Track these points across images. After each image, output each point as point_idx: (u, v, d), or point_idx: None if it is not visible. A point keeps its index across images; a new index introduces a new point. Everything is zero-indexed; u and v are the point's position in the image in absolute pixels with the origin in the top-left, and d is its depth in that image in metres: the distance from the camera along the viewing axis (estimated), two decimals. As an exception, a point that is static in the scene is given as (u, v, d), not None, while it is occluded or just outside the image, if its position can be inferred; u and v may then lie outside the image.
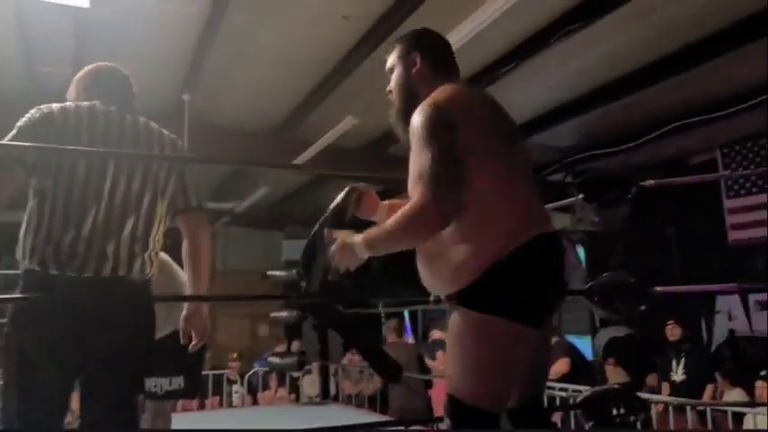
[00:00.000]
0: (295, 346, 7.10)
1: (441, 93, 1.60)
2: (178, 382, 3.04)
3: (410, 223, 1.50)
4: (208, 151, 5.95)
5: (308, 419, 5.11)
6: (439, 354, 5.32)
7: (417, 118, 1.57)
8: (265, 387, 6.82)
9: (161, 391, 2.98)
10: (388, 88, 1.80)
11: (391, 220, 1.53)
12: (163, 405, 3.00)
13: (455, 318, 1.54)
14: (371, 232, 1.57)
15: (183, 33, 4.43)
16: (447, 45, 1.80)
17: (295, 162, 6.05)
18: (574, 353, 5.74)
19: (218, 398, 6.45)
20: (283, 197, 8.89)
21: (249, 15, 4.17)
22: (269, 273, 5.12)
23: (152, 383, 2.93)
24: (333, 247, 1.60)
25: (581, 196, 2.04)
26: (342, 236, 1.61)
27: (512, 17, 3.65)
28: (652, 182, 2.01)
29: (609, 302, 1.99)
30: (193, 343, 2.09)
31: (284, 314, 5.03)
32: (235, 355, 7.09)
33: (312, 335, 6.74)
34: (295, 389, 6.62)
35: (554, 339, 5.61)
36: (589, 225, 6.78)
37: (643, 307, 1.98)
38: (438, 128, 1.52)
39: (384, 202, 1.90)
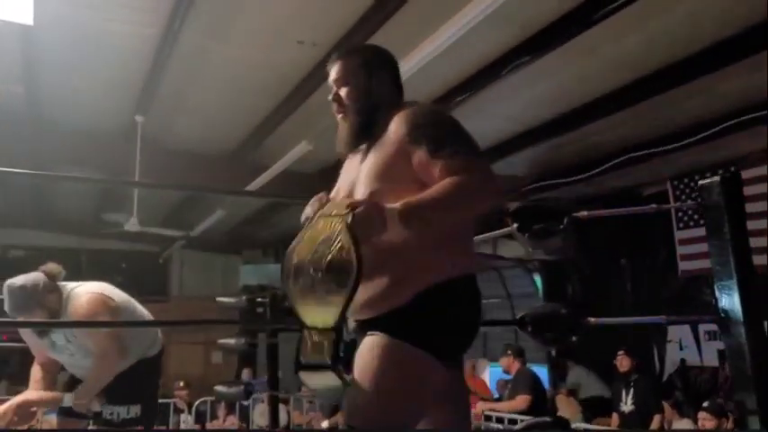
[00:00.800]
0: (245, 374, 6.96)
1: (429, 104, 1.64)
2: (135, 410, 2.94)
3: (467, 190, 1.42)
4: (161, 174, 5.88)
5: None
6: None
7: (418, 111, 1.55)
8: (213, 417, 6.65)
9: (117, 419, 2.88)
10: (335, 105, 1.68)
11: (438, 189, 1.41)
12: None
13: (371, 342, 1.45)
14: (412, 200, 1.41)
15: (137, 54, 4.38)
16: (397, 66, 1.78)
17: (250, 186, 6.00)
18: (537, 387, 5.57)
19: (164, 428, 6.25)
20: (242, 221, 8.80)
21: (204, 38, 4.15)
22: (218, 299, 5.00)
23: (108, 411, 2.83)
24: (359, 210, 1.38)
25: (515, 226, 2.05)
26: (367, 202, 1.44)
27: (462, 48, 3.70)
28: (585, 213, 2.03)
29: (541, 332, 1.99)
30: None
31: (232, 341, 4.92)
32: (182, 384, 6.89)
33: (264, 363, 6.60)
34: (245, 418, 6.47)
35: (516, 369, 5.56)
36: (544, 254, 6.82)
37: (574, 338, 1.99)
38: (458, 125, 1.54)
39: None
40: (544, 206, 2.04)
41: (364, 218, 1.37)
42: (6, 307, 2.71)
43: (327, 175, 6.63)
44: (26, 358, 8.92)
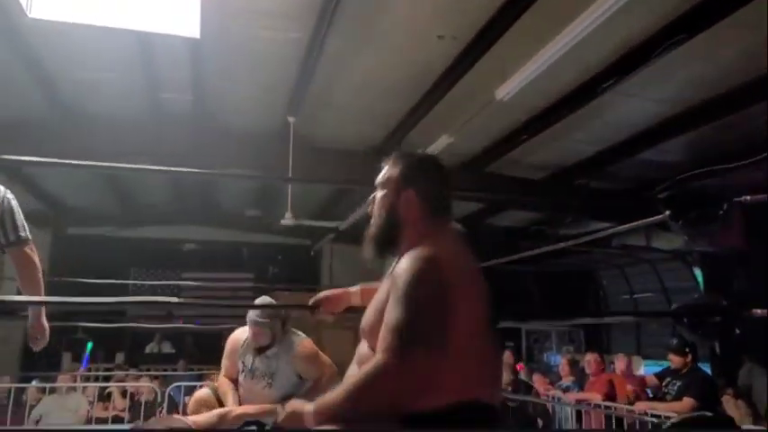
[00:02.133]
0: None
1: (436, 248, 1.49)
2: None
3: (367, 392, 1.40)
4: (311, 171, 6.22)
5: None
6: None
7: (408, 269, 1.46)
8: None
9: None
10: (370, 205, 1.70)
11: (346, 384, 1.45)
12: None
13: None
14: (324, 400, 1.46)
15: (287, 59, 4.67)
16: (446, 184, 1.69)
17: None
18: (707, 390, 4.83)
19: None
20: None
21: (348, 39, 4.34)
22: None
23: None
24: (279, 419, 1.55)
25: (668, 213, 1.95)
26: (290, 405, 1.55)
27: (610, 29, 3.55)
28: (747, 197, 1.89)
29: (697, 325, 1.89)
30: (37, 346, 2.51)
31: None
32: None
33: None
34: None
35: (686, 367, 4.85)
36: (705, 246, 6.36)
37: (737, 330, 1.86)
38: (428, 289, 1.43)
39: (355, 289, 1.95)
40: (699, 192, 1.93)
41: (284, 423, 1.51)
42: (260, 312, 3.29)
43: (469, 168, 6.66)
44: (201, 339, 9.83)
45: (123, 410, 5.99)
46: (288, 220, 6.46)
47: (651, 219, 2.20)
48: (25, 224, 2.49)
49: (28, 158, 2.00)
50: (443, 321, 1.42)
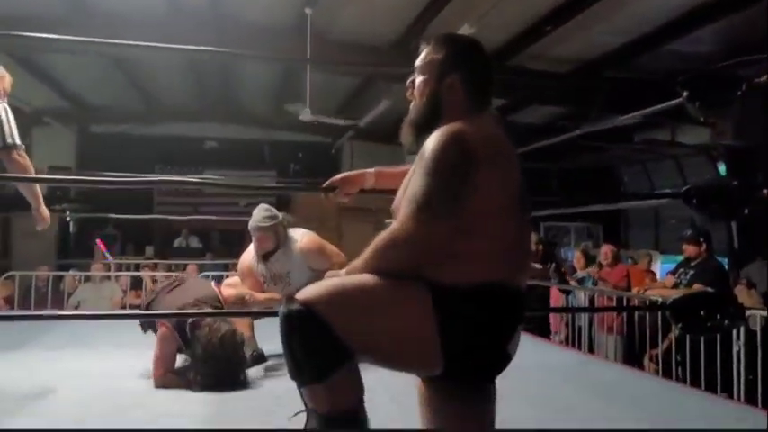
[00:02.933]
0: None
1: (467, 125, 1.48)
2: None
3: (384, 253, 1.46)
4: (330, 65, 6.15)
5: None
6: None
7: (435, 143, 1.46)
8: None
9: None
10: (409, 89, 1.65)
11: (368, 249, 1.48)
12: None
13: None
14: (353, 265, 1.53)
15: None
16: (489, 71, 1.64)
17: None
18: (719, 280, 4.65)
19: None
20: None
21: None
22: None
23: None
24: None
25: (685, 95, 1.94)
26: (328, 275, 1.61)
27: None
28: (765, 77, 1.86)
29: (706, 205, 1.91)
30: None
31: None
32: None
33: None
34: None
35: (700, 256, 4.71)
36: (730, 139, 6.23)
37: (746, 210, 1.88)
38: (451, 162, 1.43)
39: (371, 171, 1.96)
40: (717, 73, 1.90)
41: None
42: (261, 218, 3.44)
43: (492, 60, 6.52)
44: (226, 236, 10.10)
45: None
46: (306, 115, 6.46)
47: (667, 104, 2.18)
48: (15, 132, 2.65)
49: (36, 35, 2.03)
50: (465, 194, 1.42)
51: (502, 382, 1.52)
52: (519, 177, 1.52)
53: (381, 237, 1.46)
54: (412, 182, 1.49)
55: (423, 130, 1.55)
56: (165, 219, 8.55)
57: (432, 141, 1.47)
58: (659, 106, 2.17)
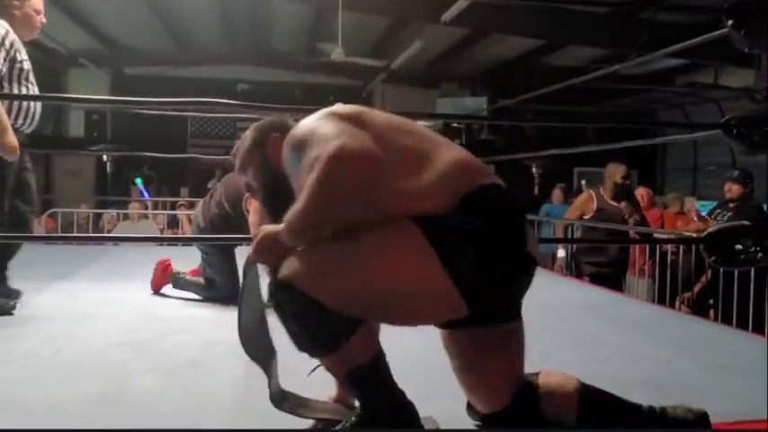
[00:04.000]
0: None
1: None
2: None
3: (330, 176, 1.24)
4: (363, 4, 6.05)
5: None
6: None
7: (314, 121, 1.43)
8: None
9: None
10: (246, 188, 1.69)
11: (305, 189, 1.27)
12: None
13: None
14: (291, 212, 1.29)
15: None
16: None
17: (446, 16, 5.96)
18: (759, 220, 4.24)
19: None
20: (438, 54, 8.83)
21: None
22: (418, 124, 5.28)
23: None
24: (252, 245, 1.38)
25: (730, 23, 1.87)
26: (262, 230, 1.39)
27: None
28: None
29: (747, 135, 1.87)
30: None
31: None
32: None
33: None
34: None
35: (739, 196, 4.57)
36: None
37: (788, 142, 1.84)
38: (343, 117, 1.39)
39: None
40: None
41: (258, 250, 1.36)
42: None
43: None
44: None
45: (191, 235, 6.48)
46: (338, 55, 6.41)
47: (711, 34, 2.11)
48: None
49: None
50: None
51: (529, 317, 1.44)
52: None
53: (316, 171, 1.25)
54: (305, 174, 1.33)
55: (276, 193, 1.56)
56: (199, 158, 8.68)
57: (292, 135, 1.47)
58: (702, 37, 2.10)
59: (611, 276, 4.66)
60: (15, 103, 2.79)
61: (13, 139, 2.62)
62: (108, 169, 8.35)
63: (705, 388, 1.92)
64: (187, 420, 1.63)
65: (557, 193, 7.41)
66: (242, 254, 1.93)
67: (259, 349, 1.44)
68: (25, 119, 2.85)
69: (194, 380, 1.99)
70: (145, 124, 8.42)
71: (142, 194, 8.25)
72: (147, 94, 3.16)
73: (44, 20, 2.95)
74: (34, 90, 2.89)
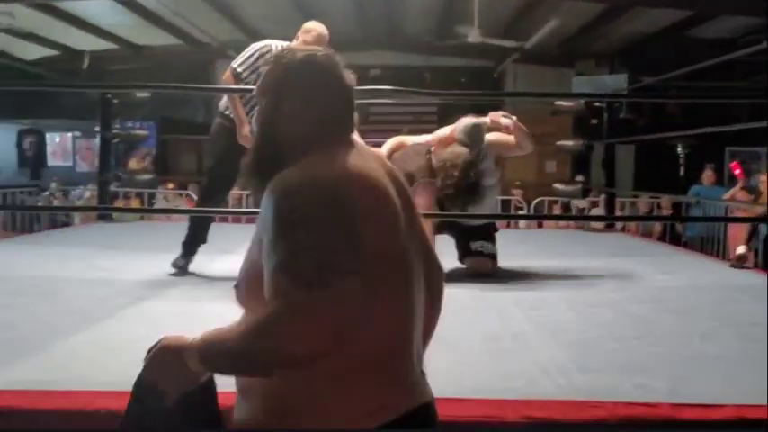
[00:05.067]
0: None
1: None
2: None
3: (258, 339, 0.97)
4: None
5: (597, 244, 5.27)
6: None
7: (288, 194, 1.06)
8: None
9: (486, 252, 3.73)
10: None
11: (234, 328, 1.02)
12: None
13: None
14: (210, 337, 1.03)
15: None
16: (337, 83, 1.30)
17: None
18: None
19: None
20: (575, 32, 8.55)
21: None
22: (557, 102, 5.22)
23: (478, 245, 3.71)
24: (152, 354, 1.09)
25: None
26: (165, 339, 1.09)
27: None
28: None
29: None
30: None
31: (570, 143, 5.12)
32: (518, 183, 7.92)
33: (599, 170, 6.71)
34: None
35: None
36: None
37: None
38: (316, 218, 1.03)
39: None
40: None
41: (156, 362, 1.07)
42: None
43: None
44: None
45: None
46: (474, 36, 6.40)
47: None
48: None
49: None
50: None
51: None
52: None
53: (256, 324, 0.99)
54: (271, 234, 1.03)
55: (260, 174, 1.19)
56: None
57: (276, 188, 1.08)
58: None
59: None
60: None
61: (247, 129, 3.11)
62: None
63: None
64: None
65: (708, 174, 6.99)
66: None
67: None
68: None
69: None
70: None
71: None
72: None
73: None
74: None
